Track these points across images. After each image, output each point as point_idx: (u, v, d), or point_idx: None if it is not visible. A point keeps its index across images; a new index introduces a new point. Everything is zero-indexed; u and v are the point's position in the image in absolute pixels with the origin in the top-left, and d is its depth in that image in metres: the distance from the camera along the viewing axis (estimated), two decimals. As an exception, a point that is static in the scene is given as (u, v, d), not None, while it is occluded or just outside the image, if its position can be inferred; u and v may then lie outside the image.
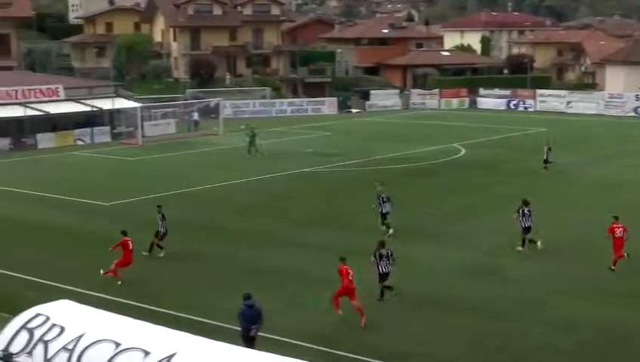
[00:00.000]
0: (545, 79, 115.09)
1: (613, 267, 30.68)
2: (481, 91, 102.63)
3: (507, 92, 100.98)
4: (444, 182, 49.95)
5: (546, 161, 52.99)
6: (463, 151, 62.81)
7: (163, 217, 33.33)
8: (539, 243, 33.48)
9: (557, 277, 30.25)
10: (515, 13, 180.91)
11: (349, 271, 25.69)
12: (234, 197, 45.37)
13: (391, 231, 35.63)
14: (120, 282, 29.33)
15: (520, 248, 33.60)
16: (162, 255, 32.81)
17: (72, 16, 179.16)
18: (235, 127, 75.83)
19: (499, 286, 29.11)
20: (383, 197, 36.70)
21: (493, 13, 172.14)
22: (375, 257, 27.50)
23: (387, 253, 27.53)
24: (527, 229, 33.64)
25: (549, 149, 53.16)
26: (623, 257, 30.80)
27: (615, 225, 31.16)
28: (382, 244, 27.87)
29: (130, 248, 30.00)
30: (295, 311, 26.51)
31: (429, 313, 26.40)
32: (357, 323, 25.24)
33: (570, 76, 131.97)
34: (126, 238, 30.10)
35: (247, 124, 63.41)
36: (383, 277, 27.53)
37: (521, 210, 33.69)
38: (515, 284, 29.46)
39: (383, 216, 36.51)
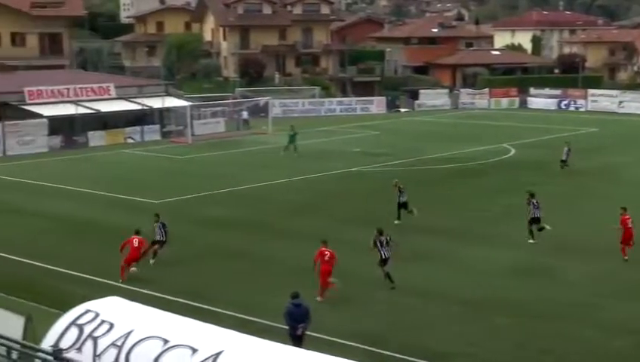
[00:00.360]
0: (596, 79, 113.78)
1: (625, 257, 31.85)
2: (532, 91, 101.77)
3: (558, 92, 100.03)
4: (493, 182, 49.67)
5: (563, 161, 53.16)
6: (513, 151, 62.40)
7: (163, 226, 32.13)
8: (547, 226, 34.46)
9: (610, 278, 29.98)
10: (567, 13, 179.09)
11: (326, 252, 27.67)
12: (281, 197, 45.50)
13: (414, 211, 38.11)
14: (121, 280, 29.46)
15: (531, 240, 34.34)
16: (152, 262, 31.61)
17: (124, 16, 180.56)
18: (284, 126, 76.06)
19: (548, 288, 28.88)
20: (399, 188, 38.87)
21: (545, 13, 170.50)
22: (376, 245, 28.94)
23: (386, 239, 28.98)
24: (536, 220, 34.52)
25: (569, 150, 53.41)
26: (631, 246, 32.01)
27: (625, 217, 32.36)
28: (380, 232, 29.21)
29: (136, 245, 30.27)
30: (342, 310, 26.55)
31: (475, 313, 26.29)
32: (403, 324, 25.23)
33: (623, 76, 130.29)
34: (135, 237, 30.49)
35: (292, 126, 63.56)
36: (385, 261, 28.87)
37: (530, 203, 34.72)
38: (565, 285, 29.19)
39: (401, 205, 38.52)
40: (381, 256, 28.83)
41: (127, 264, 30.13)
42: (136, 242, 30.34)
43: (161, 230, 32.19)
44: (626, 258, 31.70)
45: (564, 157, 53.31)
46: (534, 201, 34.78)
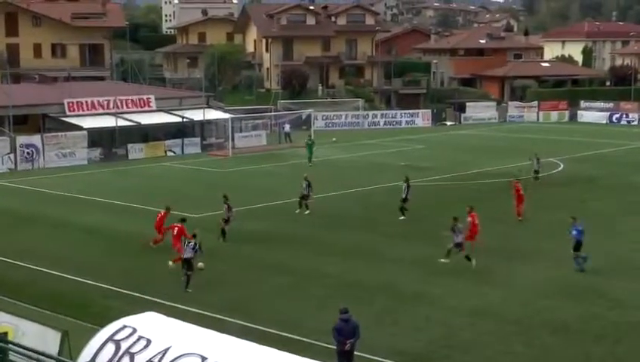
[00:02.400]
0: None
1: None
2: (582, 104, 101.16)
3: (610, 105, 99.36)
4: (541, 197, 49.30)
5: (536, 172, 53.72)
6: (562, 166, 61.98)
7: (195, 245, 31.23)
8: (473, 262, 33.28)
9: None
10: (620, 23, 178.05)
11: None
12: (324, 210, 45.47)
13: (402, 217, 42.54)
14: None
15: (444, 260, 33.86)
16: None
17: (165, 27, 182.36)
18: (326, 139, 76.18)
19: (598, 307, 28.54)
20: (407, 184, 43.71)
21: (597, 23, 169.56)
22: (453, 231, 33.59)
23: (459, 227, 33.70)
24: (457, 245, 33.92)
25: (538, 160, 54.21)
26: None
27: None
28: (456, 219, 33.84)
29: (174, 233, 33.52)
30: (386, 327, 26.46)
31: (522, 333, 26.05)
32: (448, 342, 25.11)
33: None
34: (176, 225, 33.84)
35: (309, 135, 64.00)
36: (459, 245, 33.51)
37: (452, 227, 34.19)
38: (616, 305, 28.80)
39: (404, 200, 43.32)
40: (455, 241, 33.47)
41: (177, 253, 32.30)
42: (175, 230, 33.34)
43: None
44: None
45: (536, 168, 54.04)
46: (458, 226, 33.91)
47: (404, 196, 43.45)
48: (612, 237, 38.76)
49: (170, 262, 32.49)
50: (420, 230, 40.18)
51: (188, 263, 30.57)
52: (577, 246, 33.41)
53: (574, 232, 33.45)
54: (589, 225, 40.75)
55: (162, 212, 37.27)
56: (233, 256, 35.39)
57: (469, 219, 35.19)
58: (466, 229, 34.45)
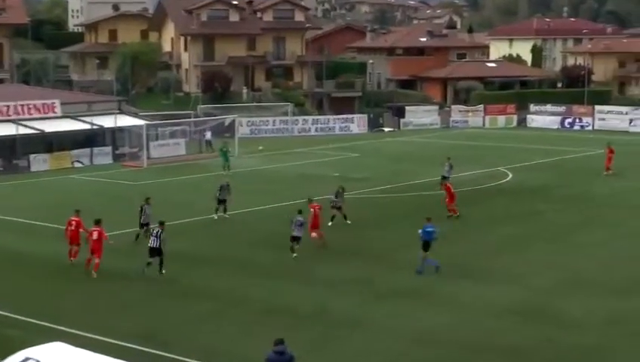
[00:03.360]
0: (605, 94, 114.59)
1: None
2: (532, 107, 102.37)
3: (561, 108, 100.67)
4: (490, 210, 49.74)
5: (444, 178, 54.58)
6: (511, 175, 62.57)
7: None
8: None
9: (628, 319, 29.87)
10: (572, 19, 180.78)
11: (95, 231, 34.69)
12: (247, 227, 45.32)
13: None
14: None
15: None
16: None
17: (72, 24, 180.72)
18: (252, 147, 76.05)
19: (554, 330, 28.73)
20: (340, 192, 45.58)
21: (547, 20, 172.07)
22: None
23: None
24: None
25: (451, 166, 56.04)
26: None
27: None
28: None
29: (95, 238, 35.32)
30: (322, 358, 26.34)
31: (471, 359, 26.19)
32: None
33: (634, 90, 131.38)
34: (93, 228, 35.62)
35: (225, 142, 64.31)
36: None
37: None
38: (574, 328, 29.03)
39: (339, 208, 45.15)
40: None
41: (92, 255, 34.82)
42: (95, 235, 34.46)
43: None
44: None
45: (445, 174, 55.12)
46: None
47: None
48: (568, 252, 39.18)
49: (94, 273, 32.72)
50: (352, 249, 40.15)
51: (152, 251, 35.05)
52: (425, 247, 35.25)
53: (422, 232, 35.65)
54: (543, 239, 41.28)
55: (76, 218, 37.52)
56: (149, 278, 35.03)
57: (311, 210, 39.49)
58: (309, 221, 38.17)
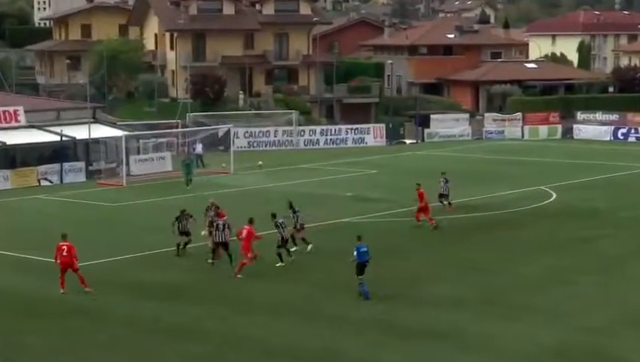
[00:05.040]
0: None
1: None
2: (579, 116, 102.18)
3: (614, 117, 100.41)
4: (530, 236, 49.52)
5: (442, 196, 55.35)
6: (555, 195, 62.43)
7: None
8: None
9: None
10: (625, 13, 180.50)
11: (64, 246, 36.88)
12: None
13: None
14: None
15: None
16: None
17: (38, 17, 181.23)
18: (250, 163, 75.95)
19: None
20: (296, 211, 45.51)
21: (596, 13, 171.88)
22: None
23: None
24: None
25: (447, 182, 55.71)
26: None
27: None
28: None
29: (64, 253, 37.11)
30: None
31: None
32: None
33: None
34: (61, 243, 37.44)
35: (188, 153, 64.84)
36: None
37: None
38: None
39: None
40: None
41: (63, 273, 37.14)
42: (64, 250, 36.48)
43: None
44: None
45: (443, 191, 55.38)
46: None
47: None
48: (622, 285, 38.98)
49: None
50: (368, 279, 39.93)
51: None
52: (360, 270, 36.54)
53: (356, 253, 36.57)
54: (593, 271, 41.08)
55: (65, 243, 38.11)
56: (129, 316, 34.96)
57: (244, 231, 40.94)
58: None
